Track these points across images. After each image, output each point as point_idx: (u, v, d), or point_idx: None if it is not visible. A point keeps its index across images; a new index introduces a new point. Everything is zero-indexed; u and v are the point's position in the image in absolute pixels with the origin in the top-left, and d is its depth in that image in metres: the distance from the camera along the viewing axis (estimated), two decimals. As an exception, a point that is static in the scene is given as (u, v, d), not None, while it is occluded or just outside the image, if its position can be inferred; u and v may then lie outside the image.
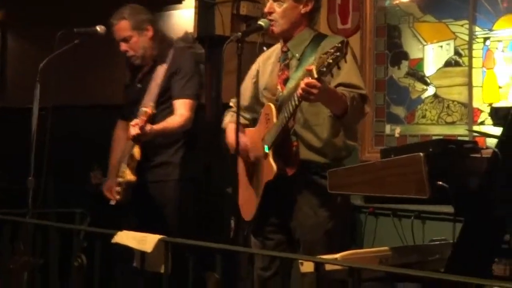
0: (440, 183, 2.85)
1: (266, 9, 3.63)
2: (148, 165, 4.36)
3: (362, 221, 5.29)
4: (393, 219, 5.04)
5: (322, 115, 3.54)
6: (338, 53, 3.06)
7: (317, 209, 3.57)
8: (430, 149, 2.91)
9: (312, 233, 3.58)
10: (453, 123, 4.98)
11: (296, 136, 3.56)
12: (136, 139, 4.14)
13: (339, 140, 3.61)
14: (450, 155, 2.95)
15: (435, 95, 5.07)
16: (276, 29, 3.63)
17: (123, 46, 4.44)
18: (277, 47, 3.84)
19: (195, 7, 5.49)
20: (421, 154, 2.83)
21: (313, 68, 3.12)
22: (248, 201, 3.70)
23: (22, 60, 7.82)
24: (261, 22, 3.56)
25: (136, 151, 4.23)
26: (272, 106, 3.57)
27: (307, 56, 3.60)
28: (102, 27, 4.39)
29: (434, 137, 4.99)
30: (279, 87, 3.67)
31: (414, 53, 5.18)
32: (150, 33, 4.45)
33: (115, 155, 4.54)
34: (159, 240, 3.33)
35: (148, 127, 4.10)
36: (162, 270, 3.35)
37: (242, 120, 3.75)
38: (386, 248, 3.14)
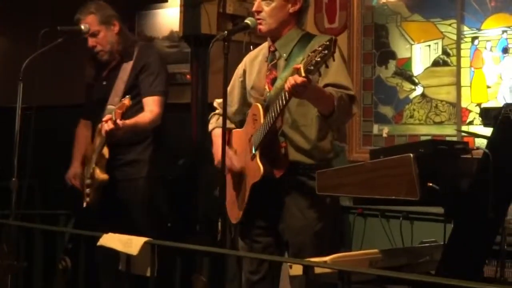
0: (431, 184, 2.81)
1: (254, 8, 3.58)
2: (116, 163, 4.32)
3: (350, 222, 5.26)
4: (381, 220, 5.01)
5: (310, 115, 3.50)
6: (326, 51, 3.01)
7: (306, 211, 3.52)
8: (420, 150, 2.87)
9: (301, 235, 3.53)
10: (441, 123, 4.95)
11: (284, 137, 3.51)
12: (109, 135, 4.08)
13: (327, 141, 3.58)
14: (441, 156, 2.91)
15: (423, 95, 5.04)
16: (264, 28, 3.58)
17: (91, 41, 4.41)
18: (264, 47, 3.80)
19: (181, 6, 5.42)
20: (411, 155, 2.79)
21: (301, 66, 3.08)
22: (234, 204, 3.64)
23: (6, 59, 7.72)
24: (247, 21, 3.51)
25: (105, 150, 4.19)
26: (259, 106, 3.52)
27: (294, 56, 3.55)
28: (86, 25, 4.34)
29: (422, 137, 4.97)
30: (266, 87, 3.63)
31: (402, 53, 5.15)
32: (116, 28, 4.42)
33: (78, 148, 4.50)
34: (145, 243, 3.28)
35: (121, 122, 4.05)
36: (148, 274, 3.29)
37: (228, 124, 3.69)
38: (376, 250, 3.10)
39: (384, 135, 5.21)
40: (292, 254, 3.56)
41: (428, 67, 5.02)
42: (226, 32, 3.37)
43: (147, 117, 4.29)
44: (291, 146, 3.52)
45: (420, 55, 5.06)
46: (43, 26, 4.24)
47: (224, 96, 3.37)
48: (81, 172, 4.37)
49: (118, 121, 4.04)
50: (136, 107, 4.33)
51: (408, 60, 5.11)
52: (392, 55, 5.19)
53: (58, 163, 4.75)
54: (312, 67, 3.04)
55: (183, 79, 6.37)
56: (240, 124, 3.80)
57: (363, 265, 2.98)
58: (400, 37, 5.15)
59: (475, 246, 2.99)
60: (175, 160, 6.12)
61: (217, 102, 3.89)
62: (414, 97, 5.08)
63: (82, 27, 4.33)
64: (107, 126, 4.04)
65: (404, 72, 5.13)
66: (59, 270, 3.69)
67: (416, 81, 5.07)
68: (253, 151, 3.49)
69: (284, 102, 3.26)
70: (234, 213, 3.66)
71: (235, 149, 3.71)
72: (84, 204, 4.29)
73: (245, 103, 3.79)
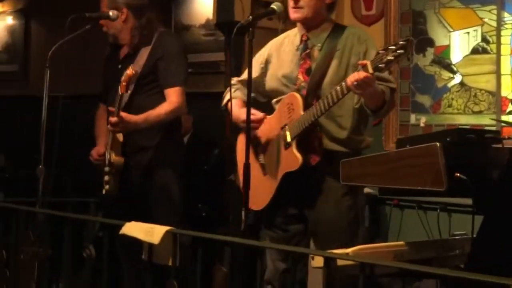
0: (458, 174, 2.69)
1: None
2: (130, 150, 4.28)
3: (387, 214, 5.16)
4: (418, 211, 4.90)
5: (346, 106, 3.46)
6: (402, 51, 2.96)
7: (339, 200, 3.46)
8: (448, 139, 2.76)
9: (333, 224, 3.46)
10: (480, 112, 4.83)
11: (318, 127, 3.46)
12: (116, 127, 4.06)
13: (361, 132, 3.54)
14: (469, 145, 2.80)
15: (462, 84, 4.91)
16: (300, 16, 3.54)
17: (102, 20, 4.38)
18: (288, 35, 3.75)
19: (215, -7, 5.36)
20: (438, 144, 2.68)
21: (368, 63, 3.06)
22: (258, 190, 3.56)
23: (46, 48, 7.75)
24: (273, 6, 3.41)
25: (119, 134, 4.16)
26: (299, 96, 3.48)
27: (328, 46, 3.52)
28: (115, 12, 4.28)
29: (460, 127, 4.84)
30: (300, 76, 3.56)
31: (440, 40, 5.02)
32: (123, 16, 4.34)
33: (100, 130, 4.46)
34: (167, 232, 3.22)
35: (124, 114, 4.03)
36: (170, 263, 3.24)
37: (244, 97, 3.67)
38: (401, 242, 2.99)
39: (422, 124, 5.09)
40: (323, 243, 3.49)
41: (467, 55, 4.89)
42: (250, 17, 3.29)
43: (165, 110, 4.24)
44: (326, 136, 3.47)
45: (459, 42, 4.93)
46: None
47: (249, 84, 3.30)
48: (104, 152, 4.34)
49: (122, 113, 4.02)
50: (155, 96, 4.28)
51: (447, 48, 4.99)
52: (430, 42, 5.06)
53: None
54: (382, 65, 3.01)
55: (219, 68, 6.32)
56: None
57: (387, 258, 2.87)
58: (438, 24, 5.02)
59: (506, 239, 2.87)
60: (210, 149, 6.09)
61: (235, 78, 3.85)
62: (453, 86, 4.96)
63: (110, 13, 4.28)
64: (113, 119, 4.04)
65: (443, 60, 5.01)
66: (83, 258, 3.66)
67: (455, 69, 4.94)
68: (288, 140, 3.44)
69: (340, 95, 3.23)
70: (259, 200, 3.58)
71: (259, 135, 3.65)
72: (104, 192, 4.25)
73: (257, 89, 3.73)
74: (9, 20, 8.40)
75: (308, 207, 3.53)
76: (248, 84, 3.31)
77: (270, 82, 3.69)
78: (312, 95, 3.46)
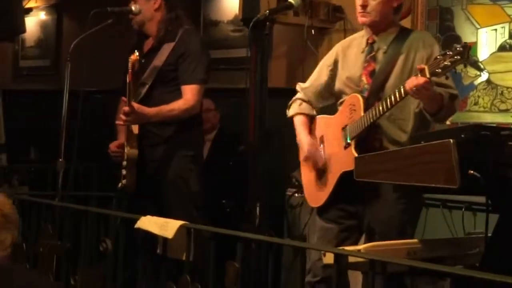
0: (472, 172, 2.65)
1: (360, 2, 3.56)
2: (147, 143, 4.28)
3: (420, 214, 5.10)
4: (442, 210, 4.83)
5: (408, 110, 3.51)
6: (459, 57, 3.04)
7: (394, 201, 3.47)
8: (462, 136, 2.72)
9: (386, 225, 3.48)
10: (506, 110, 4.74)
11: (379, 129, 3.50)
12: (129, 117, 4.07)
13: None
14: (484, 142, 2.74)
15: (488, 81, 4.83)
16: (368, 20, 3.59)
17: (131, 4, 4.38)
18: (355, 37, 3.80)
19: (241, -12, 5.34)
20: (451, 140, 2.64)
21: (426, 67, 3.12)
22: (316, 187, 3.66)
23: (78, 43, 7.80)
24: (291, 0, 3.41)
25: (135, 126, 4.17)
26: (360, 97, 3.53)
27: (393, 50, 3.57)
28: (137, 6, 4.30)
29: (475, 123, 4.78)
30: (364, 78, 3.62)
31: (467, 37, 4.93)
32: (156, 5, 4.36)
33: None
34: (181, 226, 3.23)
35: (137, 105, 4.07)
36: (184, 257, 3.24)
37: (309, 111, 3.83)
38: (415, 240, 2.97)
39: (448, 122, 5.00)
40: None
41: (494, 52, 4.81)
42: (267, 11, 3.29)
43: (178, 105, 4.25)
44: (386, 138, 3.51)
45: (486, 39, 4.85)
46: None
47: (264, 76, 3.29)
48: (123, 144, 4.35)
49: (133, 103, 4.04)
50: (176, 93, 4.28)
51: (474, 45, 4.90)
52: (457, 39, 4.97)
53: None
54: (439, 70, 3.08)
55: (248, 64, 6.29)
56: (321, 111, 3.85)
57: (400, 255, 2.84)
58: (465, 20, 4.95)
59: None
60: (236, 145, 6.07)
61: (300, 86, 3.92)
62: (479, 84, 4.88)
63: (133, 7, 4.30)
64: (124, 108, 4.06)
65: (470, 57, 4.91)
66: (100, 252, 3.68)
67: (482, 66, 4.86)
68: (348, 140, 3.50)
69: (398, 98, 3.29)
70: (316, 197, 3.68)
71: (321, 135, 3.75)
72: (120, 185, 4.26)
73: (329, 91, 3.80)
74: (42, 16, 8.46)
75: (364, 206, 3.56)
76: (261, 80, 3.31)
77: (337, 84, 3.76)
78: (374, 97, 3.52)
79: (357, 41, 3.74)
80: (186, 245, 3.24)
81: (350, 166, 3.38)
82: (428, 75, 3.10)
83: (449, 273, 2.46)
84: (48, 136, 7.52)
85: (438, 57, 3.10)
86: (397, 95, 3.28)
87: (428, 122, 3.52)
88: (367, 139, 3.46)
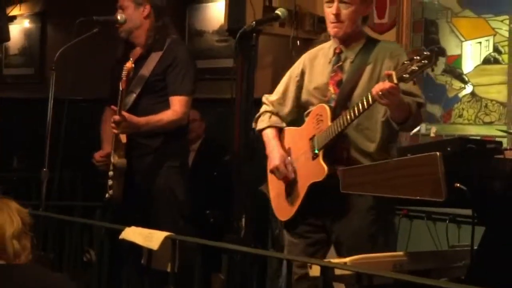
0: (458, 185, 2.65)
1: (333, 11, 3.50)
2: (134, 153, 4.27)
3: (395, 224, 5.10)
4: (427, 222, 4.84)
5: (375, 119, 3.47)
6: (426, 61, 2.98)
7: (363, 212, 3.45)
8: (449, 149, 2.72)
9: (356, 237, 3.45)
10: (491, 123, 4.77)
11: (346, 139, 3.46)
12: (119, 126, 4.05)
13: (389, 146, 3.53)
14: (470, 155, 2.75)
15: (473, 94, 4.86)
16: (341, 31, 3.54)
17: (117, 13, 4.36)
18: (323, 47, 3.75)
19: (227, -1, 5.35)
20: (438, 153, 2.64)
21: (393, 73, 3.09)
22: (284, 200, 3.60)
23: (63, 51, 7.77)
24: (278, 12, 3.42)
25: (123, 135, 4.15)
26: (327, 107, 3.49)
27: (360, 59, 3.54)
28: (123, 15, 4.28)
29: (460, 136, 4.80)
30: (331, 88, 3.58)
31: (452, 50, 4.97)
32: (145, 12, 4.34)
33: (106, 133, 4.44)
34: (166, 238, 3.21)
35: (127, 114, 4.04)
36: (169, 269, 3.22)
37: (280, 124, 3.75)
38: (401, 253, 2.96)
39: (432, 134, 5.04)
40: (344, 254, 3.45)
41: (478, 65, 4.85)
42: (254, 22, 3.28)
43: (167, 116, 4.24)
44: (353, 148, 3.47)
45: (471, 52, 4.88)
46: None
47: (251, 87, 3.28)
48: (109, 153, 4.32)
49: (124, 113, 4.03)
50: (163, 103, 4.28)
51: (458, 58, 4.94)
52: (442, 52, 5.00)
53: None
54: (407, 75, 3.04)
55: (232, 74, 6.30)
56: (291, 124, 3.78)
57: (386, 268, 2.83)
58: (450, 33, 4.98)
59: (508, 251, 2.82)
60: (221, 155, 6.07)
61: (267, 98, 3.86)
62: (464, 96, 4.91)
63: (119, 17, 4.28)
64: (116, 117, 4.05)
65: (454, 70, 4.96)
66: (83, 262, 3.66)
67: (466, 79, 4.89)
68: (315, 151, 3.46)
69: (366, 106, 3.24)
70: (284, 210, 3.62)
71: (288, 147, 3.69)
72: (107, 196, 4.24)
73: (298, 103, 3.75)
74: (26, 24, 8.43)
75: (332, 219, 3.52)
76: (250, 85, 3.30)
77: (304, 94, 3.71)
78: (341, 107, 3.48)
79: (324, 51, 3.70)
80: (171, 256, 3.22)
81: (318, 177, 3.39)
82: (395, 81, 3.06)
83: (436, 286, 2.45)
84: (32, 145, 7.51)
85: (405, 62, 3.06)
86: (365, 102, 3.23)
87: (395, 132, 3.50)
88: (334, 149, 3.43)
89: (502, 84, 4.72)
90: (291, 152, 3.66)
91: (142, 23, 4.35)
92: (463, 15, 4.92)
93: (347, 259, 2.80)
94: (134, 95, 4.29)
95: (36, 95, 8.10)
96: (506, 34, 4.70)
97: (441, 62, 5.00)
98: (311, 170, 3.46)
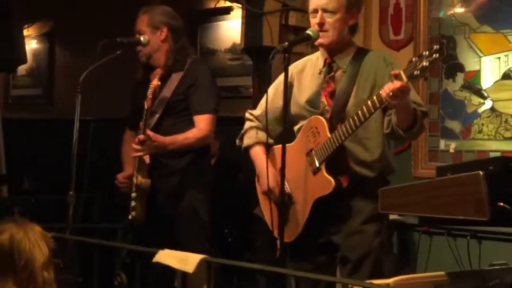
0: (502, 204, 2.65)
1: (317, 20, 3.48)
2: (158, 174, 4.26)
3: (415, 241, 5.09)
4: (447, 238, 4.83)
5: (372, 128, 3.44)
6: (436, 55, 2.92)
7: (364, 225, 3.45)
8: (490, 167, 2.71)
9: (358, 250, 3.44)
10: (511, 138, 4.75)
11: (344, 150, 3.42)
12: (142, 143, 4.05)
13: (388, 155, 3.52)
14: (512, 174, 2.75)
15: (492, 109, 4.85)
16: (326, 40, 3.51)
17: (139, 35, 4.38)
18: (310, 58, 3.73)
19: (242, 18, 5.35)
20: (481, 172, 2.64)
21: (401, 71, 3.03)
22: (288, 221, 3.51)
23: (70, 72, 7.77)
24: (309, 32, 3.41)
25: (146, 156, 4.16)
26: (323, 119, 3.45)
27: (351, 69, 3.50)
28: (146, 37, 4.29)
29: (491, 153, 4.79)
30: (324, 100, 3.54)
31: (470, 65, 4.96)
32: (163, 35, 4.37)
33: (127, 155, 4.42)
34: (202, 260, 3.19)
35: (151, 132, 4.08)
36: (204, 291, 3.20)
37: (268, 140, 3.62)
38: (442, 273, 2.94)
39: (451, 150, 5.03)
40: (349, 270, 3.45)
41: (497, 80, 4.84)
42: (286, 43, 3.28)
43: (193, 134, 4.24)
44: (352, 159, 3.45)
45: (490, 67, 4.87)
46: (104, 39, 4.23)
47: (284, 110, 3.28)
48: (132, 175, 4.31)
49: (148, 132, 4.03)
50: (185, 123, 4.28)
51: (477, 73, 4.93)
52: (460, 67, 5.01)
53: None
54: (417, 72, 2.97)
55: (246, 92, 6.31)
56: (279, 137, 3.67)
57: (428, 288, 2.83)
58: (468, 49, 4.97)
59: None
60: (236, 174, 6.05)
61: (252, 113, 3.81)
62: (483, 111, 4.90)
63: (142, 38, 4.29)
64: (139, 136, 4.05)
65: (473, 86, 4.95)
66: (115, 286, 3.63)
67: (485, 94, 4.89)
68: (317, 165, 3.41)
69: (372, 109, 3.20)
70: (290, 231, 3.52)
71: (280, 166, 3.49)
72: (130, 217, 4.23)
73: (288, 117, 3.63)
74: (33, 44, 8.44)
75: (335, 234, 3.49)
76: (284, 109, 3.28)
77: (293, 108, 3.64)
78: (336, 118, 3.44)
79: (312, 62, 3.67)
80: (207, 279, 3.20)
81: (325, 190, 3.36)
82: (405, 79, 3.00)
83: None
84: (43, 166, 7.50)
85: (414, 59, 3.01)
86: (371, 106, 3.18)
87: (392, 143, 3.49)
88: (335, 161, 3.39)
89: (522, 99, 4.71)
90: (285, 171, 3.49)
91: (160, 46, 4.37)
92: (481, 30, 4.92)
93: (390, 280, 2.79)
94: (157, 115, 4.29)
95: (44, 115, 8.13)
96: (525, 49, 4.70)
97: (460, 78, 5.01)
98: (315, 185, 3.42)
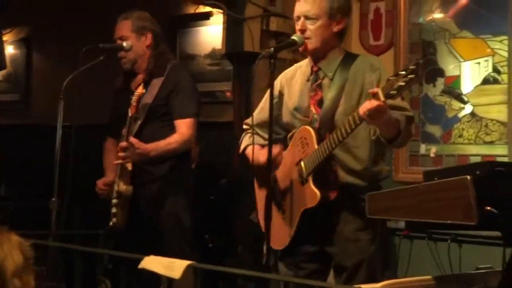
0: (489, 208, 2.67)
1: (298, 27, 3.47)
2: (140, 181, 4.24)
3: (396, 244, 5.11)
4: (428, 242, 4.85)
5: (361, 137, 3.42)
6: (413, 76, 2.88)
7: (358, 233, 3.44)
8: (477, 172, 2.73)
9: (353, 258, 3.44)
10: (491, 142, 4.79)
11: (333, 160, 3.41)
12: (126, 152, 4.03)
13: (378, 163, 3.51)
14: (499, 178, 2.76)
15: (473, 114, 4.88)
16: (309, 47, 3.49)
17: (122, 42, 4.34)
18: (299, 66, 3.71)
19: (224, 23, 5.34)
20: (469, 177, 2.65)
21: (379, 90, 2.99)
22: (278, 229, 3.49)
23: (48, 78, 7.73)
24: (294, 37, 3.41)
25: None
26: (311, 129, 3.43)
27: (339, 76, 3.47)
28: (129, 42, 4.27)
29: (472, 158, 4.82)
30: (312, 108, 3.52)
31: (450, 70, 5.00)
32: (148, 41, 4.35)
33: (109, 161, 4.40)
34: (188, 266, 3.18)
35: (135, 140, 4.03)
36: (191, 297, 3.19)
37: (261, 141, 3.66)
38: (429, 277, 2.95)
39: (432, 155, 5.06)
40: (345, 278, 3.45)
41: (478, 85, 4.87)
42: (272, 49, 3.27)
43: (175, 139, 4.23)
44: (342, 168, 3.43)
45: (470, 72, 4.91)
46: (85, 45, 4.20)
47: (270, 113, 3.26)
48: (112, 181, 4.29)
49: (132, 139, 4.01)
50: (166, 128, 4.26)
51: (457, 78, 4.96)
52: (440, 72, 5.04)
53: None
54: (394, 92, 2.93)
55: (224, 97, 6.31)
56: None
57: (416, 293, 2.84)
58: (448, 54, 5.00)
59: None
60: (217, 180, 6.04)
61: (248, 123, 3.80)
62: (463, 116, 4.93)
63: (124, 44, 4.27)
64: (122, 143, 4.04)
65: (453, 90, 4.98)
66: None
67: (465, 99, 4.92)
68: (304, 176, 3.40)
69: (353, 126, 3.17)
70: (279, 239, 3.52)
71: (273, 174, 3.57)
72: (110, 223, 4.20)
73: (276, 123, 3.64)
74: (11, 49, 8.35)
75: (326, 243, 3.48)
76: (270, 116, 3.26)
77: (284, 116, 3.64)
78: (325, 127, 3.41)
79: (302, 69, 3.65)
80: (193, 285, 3.19)
81: (310, 203, 3.34)
82: (382, 98, 2.96)
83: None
84: (18, 172, 7.42)
85: (391, 78, 2.96)
86: (352, 122, 3.16)
87: (383, 148, 3.48)
88: (323, 173, 3.38)
89: (502, 104, 4.74)
90: (277, 179, 3.58)
91: (144, 52, 4.35)
92: (461, 36, 4.95)
93: (378, 285, 2.79)
94: (139, 122, 4.27)
95: (21, 121, 8.05)
96: (505, 54, 4.73)
97: (440, 83, 5.04)
98: (303, 196, 3.40)
